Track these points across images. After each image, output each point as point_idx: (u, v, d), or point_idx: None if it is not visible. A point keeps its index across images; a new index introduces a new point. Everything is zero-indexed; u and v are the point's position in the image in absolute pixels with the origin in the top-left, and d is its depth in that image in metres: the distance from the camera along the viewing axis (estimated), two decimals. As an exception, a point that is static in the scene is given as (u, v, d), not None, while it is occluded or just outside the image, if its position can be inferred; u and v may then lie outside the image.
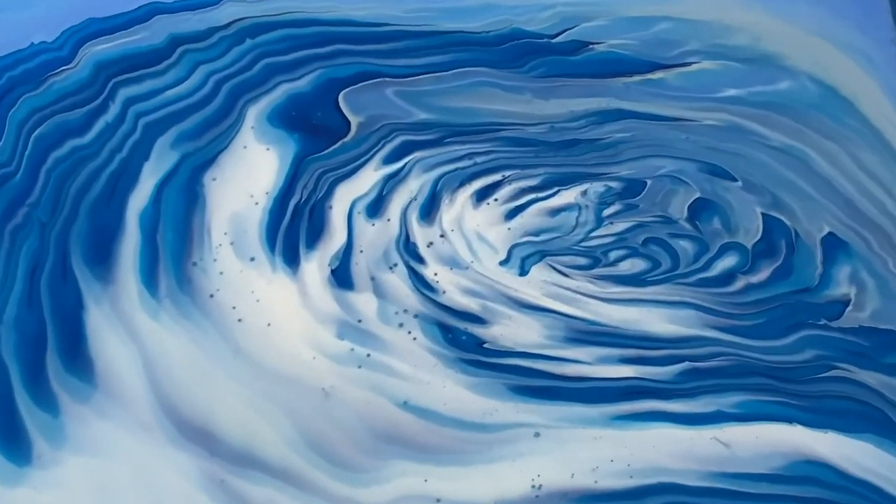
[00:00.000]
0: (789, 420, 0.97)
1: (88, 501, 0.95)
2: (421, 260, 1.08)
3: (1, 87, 1.17)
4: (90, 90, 1.18)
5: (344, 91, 1.19)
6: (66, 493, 0.95)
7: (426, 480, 0.95)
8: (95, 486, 0.96)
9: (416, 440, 0.97)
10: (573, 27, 1.24)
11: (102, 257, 1.08)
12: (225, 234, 1.10)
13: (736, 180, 1.12)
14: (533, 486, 0.94)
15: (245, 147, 1.15)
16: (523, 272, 1.07)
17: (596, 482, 0.94)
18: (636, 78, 1.20)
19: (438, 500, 0.94)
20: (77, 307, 1.05)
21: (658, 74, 1.20)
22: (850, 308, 1.04)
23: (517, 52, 1.22)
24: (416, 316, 1.04)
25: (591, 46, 1.23)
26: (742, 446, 0.96)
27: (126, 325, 1.04)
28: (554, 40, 1.23)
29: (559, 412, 0.98)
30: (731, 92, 1.19)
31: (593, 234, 1.10)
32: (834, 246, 1.07)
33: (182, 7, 1.23)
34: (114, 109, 1.17)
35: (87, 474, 0.96)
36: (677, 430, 0.97)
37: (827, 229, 1.09)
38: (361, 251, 1.09)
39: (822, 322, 1.03)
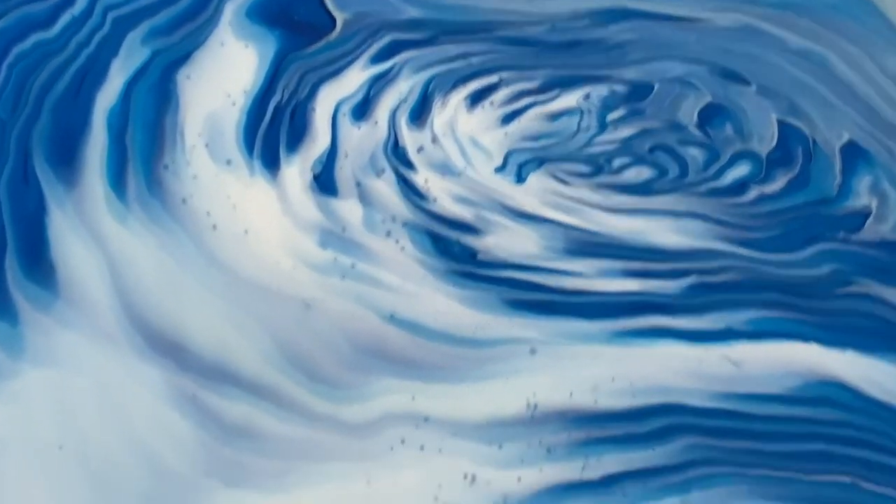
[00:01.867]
0: (805, 338, 0.91)
1: (47, 417, 0.89)
2: (410, 165, 1.01)
3: (-43, -26, 1.09)
4: (55, -19, 1.10)
5: (329, -16, 1.11)
6: (23, 408, 0.89)
7: (413, 398, 0.89)
8: (56, 401, 0.90)
9: (403, 355, 0.91)
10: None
11: (67, 159, 1.01)
12: (199, 135, 1.02)
13: (750, 84, 1.05)
14: (528, 406, 0.88)
15: (222, 44, 1.07)
16: (520, 180, 1.00)
17: (596, 402, 0.89)
18: (643, -26, 1.13)
19: (426, 419, 0.88)
20: (39, 211, 0.98)
21: (667, -29, 1.13)
22: (870, 220, 0.97)
23: (515, -55, 1.14)
24: (404, 224, 0.97)
25: (595, -60, 1.15)
26: (753, 365, 0.90)
27: (91, 231, 0.97)
28: (556, -68, 1.15)
29: (557, 328, 0.92)
30: (746, -9, 1.12)
31: (596, 140, 1.02)
32: (854, 155, 1.01)
33: None
34: (81, 2, 1.09)
35: (46, 388, 0.90)
36: (684, 347, 0.91)
37: (847, 137, 1.02)
38: (346, 156, 1.02)
39: (841, 235, 0.96)
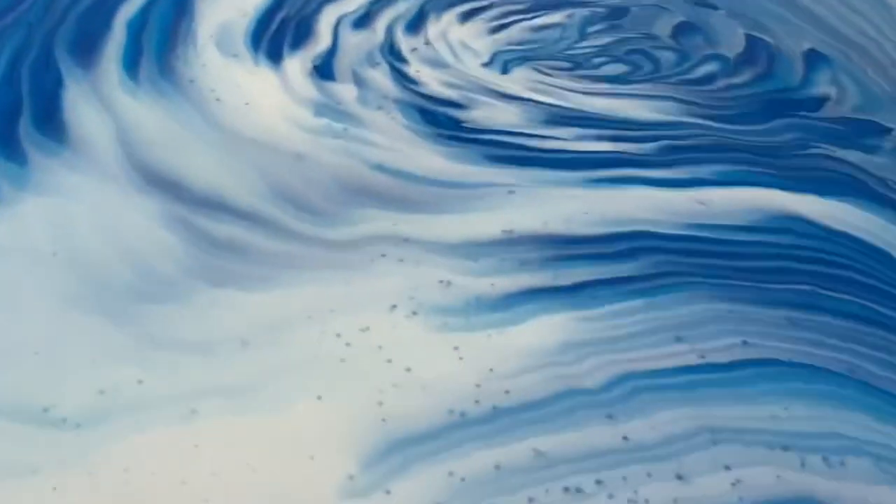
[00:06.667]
0: (768, 185, 0.95)
1: (43, 232, 0.92)
2: (404, 60, 1.09)
3: None
4: None
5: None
6: (22, 225, 0.93)
7: (395, 224, 0.92)
8: (52, 222, 0.94)
9: (388, 194, 0.96)
10: None
11: (86, 50, 1.09)
12: (210, 36, 1.11)
13: (718, 9, 1.14)
14: (504, 231, 0.92)
15: (237, -28, 1.17)
16: (505, 71, 1.07)
17: (569, 229, 0.92)
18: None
19: (406, 240, 0.91)
20: (56, 86, 1.05)
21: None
22: (830, 103, 1.03)
23: None
24: (395, 101, 1.04)
25: None
26: (719, 204, 0.94)
27: (104, 101, 1.04)
28: None
29: (535, 176, 0.97)
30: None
31: (576, 45, 1.10)
32: (815, 58, 1.08)
33: None
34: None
35: (45, 211, 0.94)
36: (655, 191, 0.95)
37: (808, 46, 1.09)
38: (345, 53, 1.09)
39: (803, 113, 1.02)
